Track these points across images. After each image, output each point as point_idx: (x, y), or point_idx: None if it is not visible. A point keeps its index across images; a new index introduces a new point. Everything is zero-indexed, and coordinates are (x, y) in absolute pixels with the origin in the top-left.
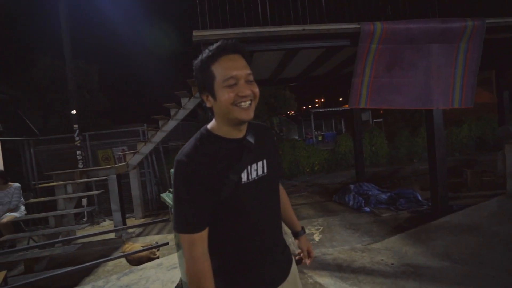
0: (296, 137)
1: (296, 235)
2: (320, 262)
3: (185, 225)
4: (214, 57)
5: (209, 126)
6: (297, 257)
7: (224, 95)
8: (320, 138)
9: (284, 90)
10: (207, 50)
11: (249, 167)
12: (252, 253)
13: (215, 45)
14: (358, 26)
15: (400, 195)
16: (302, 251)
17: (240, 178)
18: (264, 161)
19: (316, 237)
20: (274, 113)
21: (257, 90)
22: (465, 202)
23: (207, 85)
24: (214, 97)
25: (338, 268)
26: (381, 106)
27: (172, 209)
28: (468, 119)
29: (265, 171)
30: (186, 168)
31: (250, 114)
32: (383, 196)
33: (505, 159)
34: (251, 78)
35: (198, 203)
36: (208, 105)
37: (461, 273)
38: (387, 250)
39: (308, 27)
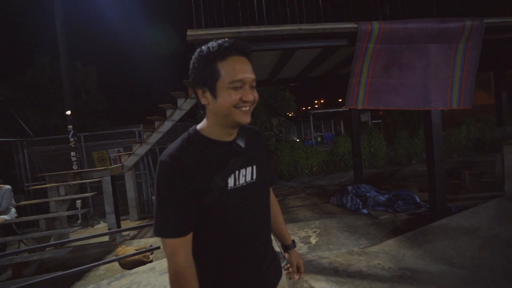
0: (296, 138)
1: (286, 248)
2: (316, 266)
3: (167, 229)
4: (223, 55)
5: (198, 126)
6: (285, 271)
7: (227, 97)
8: (319, 139)
9: (284, 91)
10: (215, 45)
11: (237, 172)
12: (237, 266)
13: (225, 42)
14: (355, 25)
15: (398, 197)
16: (292, 266)
17: (227, 183)
18: (254, 167)
19: (313, 240)
20: (274, 114)
21: (257, 95)
22: (464, 204)
23: (209, 82)
24: (214, 95)
25: (334, 272)
26: (379, 106)
27: (153, 212)
28: (467, 120)
29: (254, 177)
30: (169, 169)
31: (249, 118)
32: (381, 198)
33: (503, 160)
34: (254, 84)
35: (181, 207)
36: (203, 102)
37: (459, 277)
38: (384, 254)
39: (304, 26)
